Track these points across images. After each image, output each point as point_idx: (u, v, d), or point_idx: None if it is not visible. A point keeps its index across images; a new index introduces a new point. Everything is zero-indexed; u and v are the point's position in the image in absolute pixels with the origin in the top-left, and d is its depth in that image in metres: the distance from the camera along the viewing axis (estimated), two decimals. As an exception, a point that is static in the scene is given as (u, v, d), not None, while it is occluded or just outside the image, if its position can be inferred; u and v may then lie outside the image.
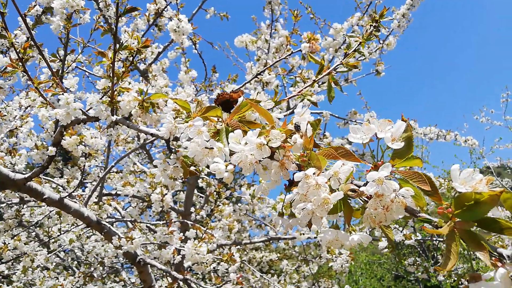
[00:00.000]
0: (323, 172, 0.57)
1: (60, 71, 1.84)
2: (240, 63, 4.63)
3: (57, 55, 1.91)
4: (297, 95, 1.08)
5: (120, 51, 1.28)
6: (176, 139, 0.95)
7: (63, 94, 1.21)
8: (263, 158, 0.64)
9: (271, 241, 4.24)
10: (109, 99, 1.28)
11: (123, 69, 1.46)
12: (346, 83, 4.57)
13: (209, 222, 2.41)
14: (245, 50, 4.08)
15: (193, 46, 2.94)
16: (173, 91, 3.08)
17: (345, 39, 3.84)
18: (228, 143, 0.72)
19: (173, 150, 0.99)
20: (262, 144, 0.63)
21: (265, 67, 2.19)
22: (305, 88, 1.11)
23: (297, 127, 0.64)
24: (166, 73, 3.61)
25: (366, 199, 0.56)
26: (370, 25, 1.24)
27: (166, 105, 1.30)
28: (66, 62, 1.94)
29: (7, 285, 3.87)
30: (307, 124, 0.63)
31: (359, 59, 1.34)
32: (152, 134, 1.10)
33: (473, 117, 8.87)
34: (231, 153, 0.74)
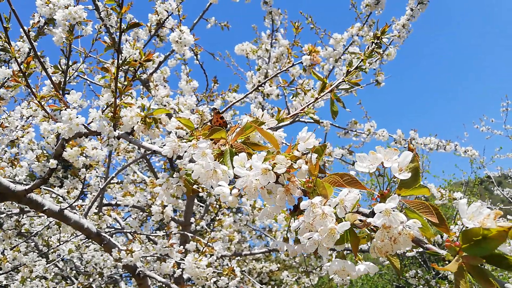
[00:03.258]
0: (329, 200, 0.57)
1: (62, 83, 1.84)
2: (241, 72, 4.65)
3: (59, 67, 1.91)
4: (300, 112, 1.08)
5: (122, 66, 1.28)
6: (179, 157, 0.95)
7: (65, 109, 1.21)
8: (268, 183, 0.64)
9: (271, 252, 4.22)
10: (112, 114, 1.28)
11: (126, 83, 1.46)
12: (346, 93, 4.58)
13: (209, 233, 2.39)
14: (246, 59, 4.09)
15: (195, 57, 2.95)
16: (174, 99, 3.08)
17: (346, 49, 3.85)
18: (233, 166, 0.71)
19: (176, 168, 0.98)
20: (267, 170, 0.63)
21: (266, 79, 2.18)
22: (307, 105, 1.11)
23: (304, 154, 0.64)
24: (167, 82, 3.61)
25: (372, 228, 0.55)
26: (372, 42, 1.24)
27: (169, 120, 1.30)
28: (68, 73, 1.94)
29: (5, 294, 3.83)
30: (312, 150, 0.63)
31: (359, 71, 1.34)
32: (154, 152, 1.10)
33: (473, 126, 8.87)
34: (236, 175, 0.74)
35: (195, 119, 2.75)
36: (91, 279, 3.82)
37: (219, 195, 0.73)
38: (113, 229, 3.35)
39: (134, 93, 1.68)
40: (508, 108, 7.93)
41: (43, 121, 1.43)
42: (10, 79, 1.24)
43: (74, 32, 1.83)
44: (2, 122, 1.91)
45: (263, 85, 2.65)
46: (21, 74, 1.33)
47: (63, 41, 1.96)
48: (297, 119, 4.08)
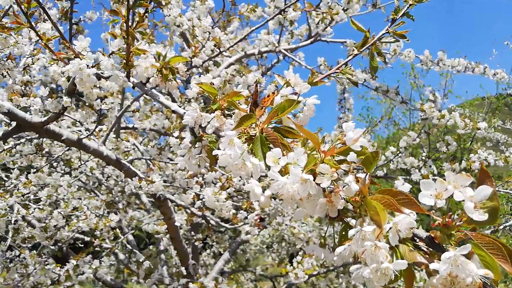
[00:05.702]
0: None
1: (69, 12, 1.68)
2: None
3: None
4: (336, 72, 0.96)
5: (135, 7, 1.13)
6: (202, 128, 0.86)
7: (74, 58, 1.10)
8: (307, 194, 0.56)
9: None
10: (125, 61, 1.17)
11: (138, 19, 1.32)
12: (373, 8, 4.22)
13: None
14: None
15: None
16: (184, 14, 2.87)
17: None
18: (265, 161, 0.63)
19: (198, 137, 0.90)
20: (307, 180, 0.55)
21: (290, 3, 1.97)
22: (345, 62, 0.98)
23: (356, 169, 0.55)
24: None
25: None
26: (424, -19, 1.05)
27: (186, 70, 1.19)
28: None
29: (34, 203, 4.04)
30: (362, 159, 0.54)
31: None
32: (174, 111, 1.01)
33: (504, 42, 8.30)
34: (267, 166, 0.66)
35: (210, 46, 2.58)
36: (114, 198, 3.97)
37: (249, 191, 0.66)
38: (132, 157, 3.40)
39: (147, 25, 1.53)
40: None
41: (51, 63, 1.33)
42: (11, 21, 1.11)
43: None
44: (10, 53, 1.81)
45: (286, 10, 2.42)
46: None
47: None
48: (318, 38, 3.82)
